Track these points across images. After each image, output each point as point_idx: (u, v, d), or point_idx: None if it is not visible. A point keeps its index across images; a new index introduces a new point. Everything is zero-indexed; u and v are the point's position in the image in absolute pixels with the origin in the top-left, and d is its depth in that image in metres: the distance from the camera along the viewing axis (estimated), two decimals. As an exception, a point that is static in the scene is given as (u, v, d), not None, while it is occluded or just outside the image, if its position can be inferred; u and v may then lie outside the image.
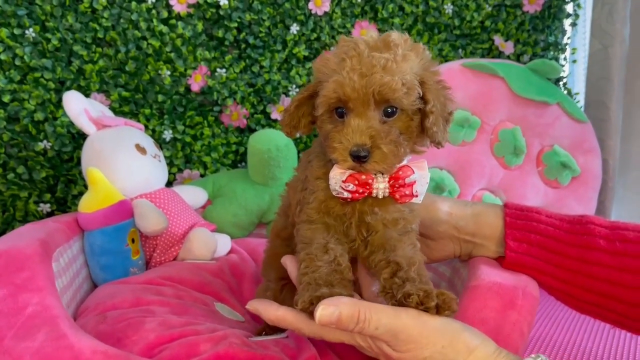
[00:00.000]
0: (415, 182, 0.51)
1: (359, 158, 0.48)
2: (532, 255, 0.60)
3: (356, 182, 0.50)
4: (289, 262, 0.55)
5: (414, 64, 0.49)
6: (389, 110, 0.49)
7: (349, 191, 0.50)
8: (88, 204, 0.76)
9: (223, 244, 0.88)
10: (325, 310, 0.44)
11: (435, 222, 0.65)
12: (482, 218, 0.64)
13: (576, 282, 0.58)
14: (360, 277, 0.56)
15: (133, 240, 0.79)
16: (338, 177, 0.50)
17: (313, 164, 0.55)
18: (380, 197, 0.52)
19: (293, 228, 0.57)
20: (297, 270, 0.52)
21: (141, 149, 0.85)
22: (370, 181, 0.50)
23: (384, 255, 0.51)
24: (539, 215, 0.61)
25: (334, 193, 0.51)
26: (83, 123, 0.82)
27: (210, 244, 0.84)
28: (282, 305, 0.49)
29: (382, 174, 0.51)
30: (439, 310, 0.45)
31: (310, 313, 0.46)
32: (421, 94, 0.49)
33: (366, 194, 0.51)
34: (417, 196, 0.52)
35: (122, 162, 0.82)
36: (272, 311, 0.49)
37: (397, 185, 0.51)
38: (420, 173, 0.52)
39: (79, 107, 0.82)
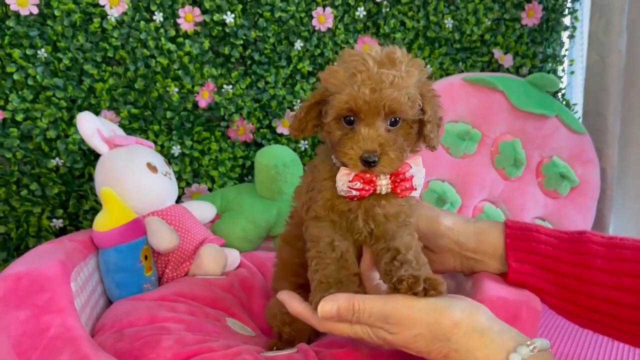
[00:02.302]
0: (413, 176, 0.57)
1: (369, 163, 0.53)
2: (534, 275, 0.62)
3: (362, 181, 0.55)
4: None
5: (415, 79, 0.55)
6: (393, 120, 0.54)
7: (356, 189, 0.55)
8: (103, 223, 0.78)
9: (233, 258, 0.91)
10: (325, 305, 0.52)
11: (437, 236, 0.68)
12: (483, 236, 0.66)
13: (576, 301, 0.60)
14: (362, 271, 0.61)
15: (146, 257, 0.81)
16: (345, 177, 0.55)
17: (320, 168, 0.60)
18: (383, 193, 0.57)
19: (300, 229, 0.62)
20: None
21: (152, 168, 0.88)
22: (374, 179, 0.56)
23: (385, 244, 0.57)
24: (539, 235, 0.63)
25: (341, 193, 0.56)
26: (96, 143, 0.85)
27: (221, 260, 0.86)
28: (303, 302, 0.57)
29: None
30: (426, 293, 0.50)
31: None
32: (421, 106, 0.55)
33: (371, 191, 0.56)
34: (415, 189, 0.58)
35: (134, 181, 0.85)
36: (294, 306, 0.57)
37: (397, 180, 0.56)
38: (417, 168, 0.57)
39: (91, 128, 0.84)
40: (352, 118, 0.54)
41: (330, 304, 0.51)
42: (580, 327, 0.63)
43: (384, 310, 0.50)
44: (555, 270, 0.61)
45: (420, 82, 0.55)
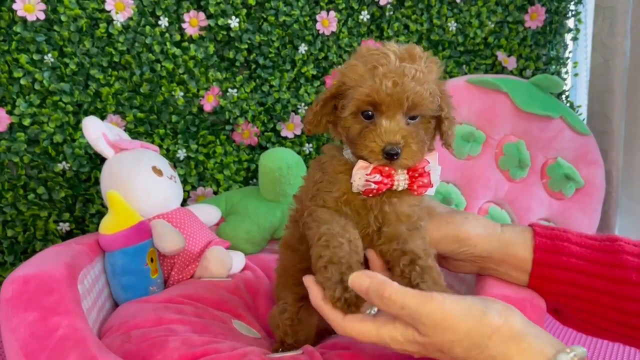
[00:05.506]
0: (431, 171, 0.57)
1: (391, 155, 0.53)
2: (562, 294, 0.60)
3: (380, 174, 0.55)
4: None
5: (435, 75, 0.55)
6: (412, 115, 0.54)
7: (375, 182, 0.55)
8: (109, 226, 0.78)
9: (238, 261, 0.91)
10: (357, 278, 0.48)
11: (458, 249, 0.63)
12: (510, 250, 0.62)
13: (605, 316, 0.58)
14: (371, 261, 0.59)
15: (152, 260, 0.82)
16: (362, 171, 0.55)
17: (332, 163, 0.59)
18: (400, 189, 0.56)
19: (302, 232, 0.60)
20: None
21: (158, 171, 0.88)
22: (392, 172, 0.55)
23: (399, 246, 0.55)
24: (569, 245, 0.60)
25: (358, 189, 0.55)
26: (102, 147, 0.85)
27: (227, 262, 0.87)
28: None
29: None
30: None
31: (339, 308, 0.50)
32: (439, 102, 0.55)
33: (389, 185, 0.55)
34: (432, 186, 0.57)
35: (140, 184, 0.85)
36: (317, 299, 0.52)
37: (415, 175, 0.56)
38: (434, 164, 0.57)
39: (97, 132, 0.85)
40: (370, 112, 0.54)
41: (363, 278, 0.48)
42: (595, 336, 0.62)
43: (420, 309, 0.46)
44: (585, 285, 0.58)
45: (437, 79, 0.56)
